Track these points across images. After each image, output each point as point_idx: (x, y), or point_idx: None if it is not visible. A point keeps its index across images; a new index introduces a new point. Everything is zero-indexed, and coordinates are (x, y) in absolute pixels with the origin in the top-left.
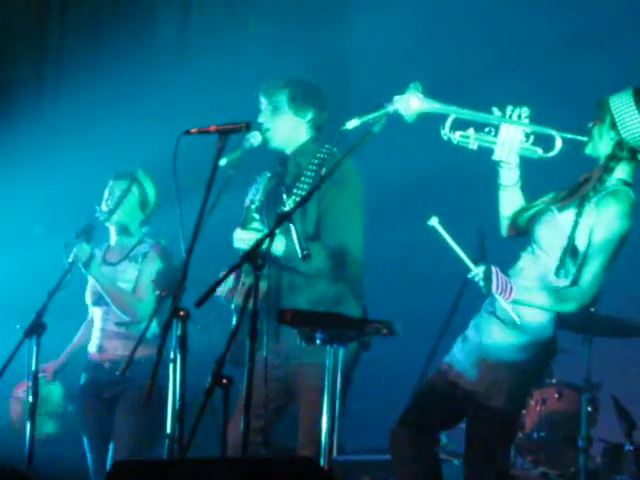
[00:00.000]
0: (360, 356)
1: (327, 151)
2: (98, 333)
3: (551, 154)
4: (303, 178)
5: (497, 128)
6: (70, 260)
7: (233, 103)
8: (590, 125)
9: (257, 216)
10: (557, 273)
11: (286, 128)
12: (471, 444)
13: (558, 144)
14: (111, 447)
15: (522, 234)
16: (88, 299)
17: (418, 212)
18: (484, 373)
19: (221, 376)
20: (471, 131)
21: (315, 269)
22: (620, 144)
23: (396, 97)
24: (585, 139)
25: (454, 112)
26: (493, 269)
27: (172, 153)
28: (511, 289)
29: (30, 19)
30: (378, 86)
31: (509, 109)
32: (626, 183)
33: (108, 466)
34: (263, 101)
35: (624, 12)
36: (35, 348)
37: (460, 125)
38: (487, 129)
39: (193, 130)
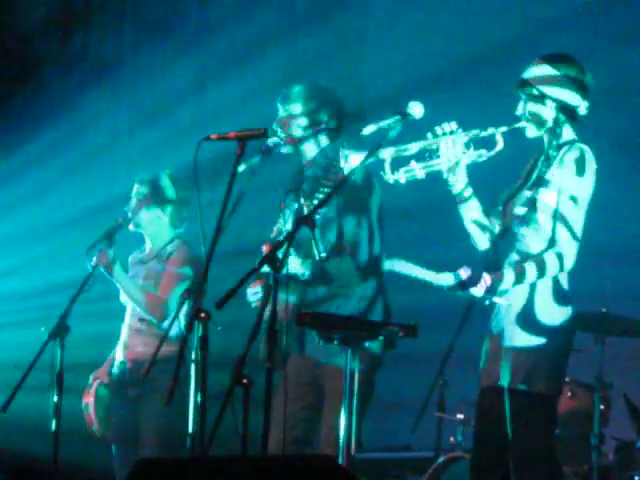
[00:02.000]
0: (384, 357)
1: (343, 159)
2: (125, 329)
3: (496, 151)
4: (321, 189)
5: (437, 150)
6: (93, 264)
7: (254, 113)
8: (519, 109)
9: None
10: (521, 224)
11: (302, 136)
12: (519, 436)
13: (499, 140)
14: (136, 447)
15: (501, 235)
16: (122, 298)
17: (432, 205)
18: (519, 364)
19: (241, 376)
20: (414, 164)
21: (346, 282)
22: (560, 107)
23: (411, 103)
24: (522, 124)
25: (391, 153)
26: (460, 271)
27: (193, 158)
28: (485, 279)
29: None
30: (393, 92)
31: (439, 128)
32: (575, 140)
33: None
34: (280, 109)
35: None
36: (59, 350)
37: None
38: (427, 155)
39: (213, 136)
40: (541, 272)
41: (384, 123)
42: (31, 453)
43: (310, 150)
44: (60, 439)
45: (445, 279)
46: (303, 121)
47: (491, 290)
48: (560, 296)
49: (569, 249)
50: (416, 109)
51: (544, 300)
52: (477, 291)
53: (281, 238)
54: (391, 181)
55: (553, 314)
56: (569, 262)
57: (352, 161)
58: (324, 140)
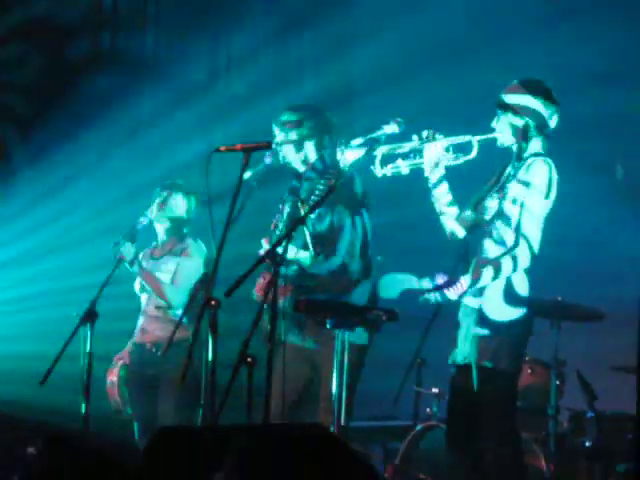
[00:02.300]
0: (372, 339)
1: (334, 168)
2: (142, 316)
3: (472, 156)
4: (317, 191)
5: (421, 151)
6: (117, 258)
7: (251, 125)
8: (494, 122)
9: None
10: (487, 229)
11: (298, 150)
12: (485, 406)
13: (475, 146)
14: (155, 419)
15: (469, 231)
16: (136, 288)
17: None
18: (484, 346)
19: (246, 355)
20: (400, 161)
21: (326, 273)
22: (527, 126)
23: (393, 119)
24: (495, 135)
25: (381, 150)
26: (438, 278)
27: (205, 167)
28: (458, 284)
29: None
30: (379, 108)
31: (425, 132)
32: (540, 154)
33: None
34: (276, 128)
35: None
36: (89, 333)
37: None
38: (412, 154)
39: (222, 148)
40: (496, 274)
41: (370, 136)
42: (64, 425)
43: (310, 155)
44: (89, 416)
45: (426, 284)
46: (298, 138)
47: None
48: (511, 298)
49: (523, 255)
50: (399, 122)
51: (493, 300)
52: (452, 294)
53: (278, 233)
54: (380, 175)
55: (502, 313)
56: (522, 264)
57: (347, 156)
58: (316, 153)
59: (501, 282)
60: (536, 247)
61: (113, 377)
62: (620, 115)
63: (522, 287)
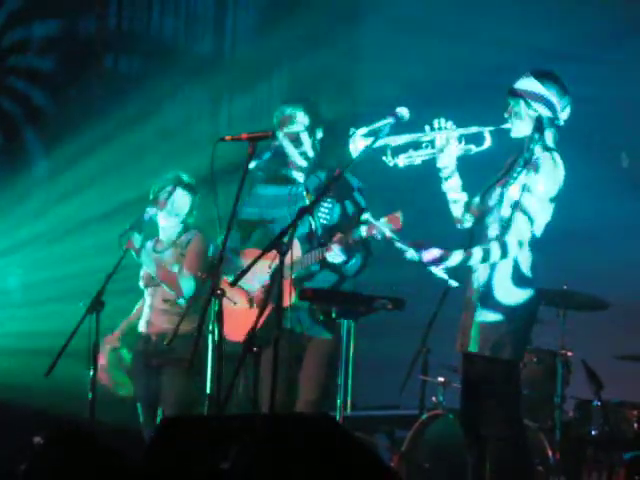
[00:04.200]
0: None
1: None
2: (147, 310)
3: (484, 147)
4: (318, 182)
5: (433, 142)
6: (124, 248)
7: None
8: (506, 114)
9: None
10: (490, 215)
11: (297, 143)
12: (487, 394)
13: (487, 137)
14: (160, 408)
15: (476, 224)
16: (141, 282)
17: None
18: (487, 334)
19: (252, 346)
20: (412, 152)
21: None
22: (539, 118)
23: (398, 109)
24: (508, 126)
25: (394, 141)
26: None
27: (210, 157)
28: (440, 258)
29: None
30: (383, 98)
31: (436, 122)
32: (550, 148)
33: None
34: (282, 121)
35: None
36: (95, 323)
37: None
38: (424, 145)
39: (227, 137)
40: (485, 258)
41: (375, 126)
42: (70, 414)
43: (307, 148)
44: (95, 403)
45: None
46: (306, 120)
47: (437, 262)
48: (518, 279)
49: (523, 229)
50: (403, 113)
51: (502, 282)
52: (425, 259)
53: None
54: (391, 164)
55: (511, 295)
56: (522, 236)
57: (359, 144)
58: (317, 148)
59: (508, 265)
60: (535, 227)
61: (102, 360)
62: (626, 103)
63: (526, 267)
